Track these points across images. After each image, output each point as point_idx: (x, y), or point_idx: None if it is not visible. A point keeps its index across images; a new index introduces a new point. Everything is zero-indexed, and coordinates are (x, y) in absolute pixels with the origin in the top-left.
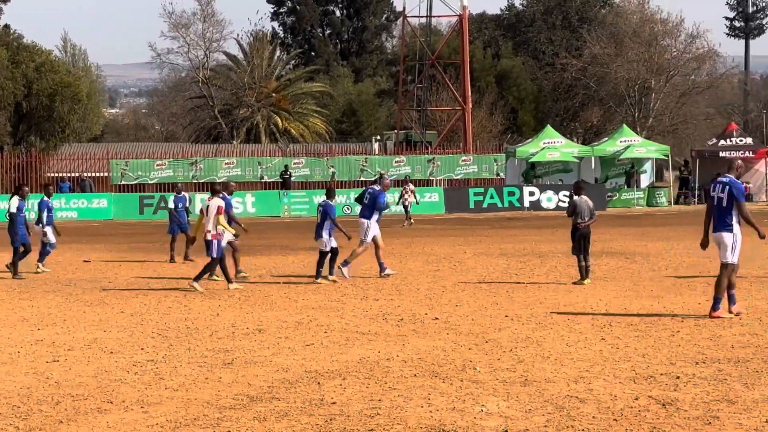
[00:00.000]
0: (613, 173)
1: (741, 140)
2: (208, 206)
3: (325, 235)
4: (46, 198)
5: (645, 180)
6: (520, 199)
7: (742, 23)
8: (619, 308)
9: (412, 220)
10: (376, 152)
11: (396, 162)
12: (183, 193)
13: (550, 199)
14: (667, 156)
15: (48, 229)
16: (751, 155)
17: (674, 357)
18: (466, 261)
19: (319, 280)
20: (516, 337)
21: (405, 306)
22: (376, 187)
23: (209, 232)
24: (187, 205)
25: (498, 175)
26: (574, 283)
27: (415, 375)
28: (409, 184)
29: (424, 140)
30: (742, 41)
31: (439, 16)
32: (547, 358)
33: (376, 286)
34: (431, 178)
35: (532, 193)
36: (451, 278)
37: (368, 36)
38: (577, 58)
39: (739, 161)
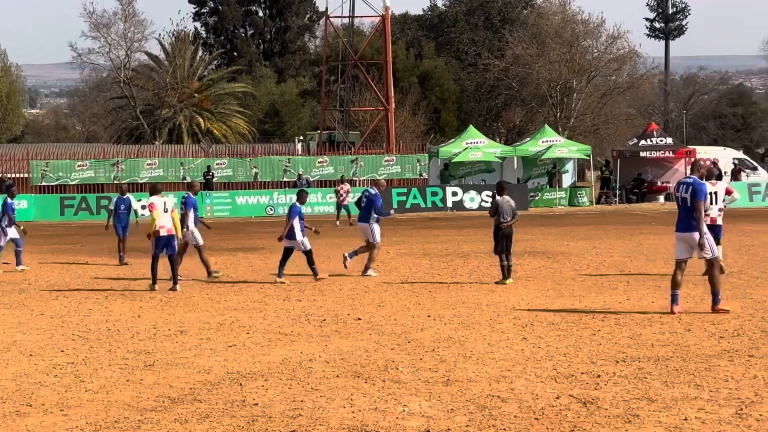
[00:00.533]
0: (536, 173)
1: (661, 140)
2: (164, 203)
3: (299, 235)
4: (10, 200)
5: (567, 180)
6: (443, 199)
7: (662, 24)
8: (541, 307)
9: (339, 222)
10: (299, 152)
11: (319, 162)
12: (127, 194)
13: (473, 199)
14: (589, 156)
15: (10, 230)
16: (671, 155)
17: (595, 356)
18: (389, 261)
19: (319, 276)
20: (438, 336)
21: (327, 307)
22: (373, 191)
23: (169, 228)
24: (134, 206)
25: (421, 175)
26: (497, 282)
27: (338, 375)
28: (345, 183)
29: (347, 140)
30: (662, 42)
31: (361, 17)
32: (469, 357)
33: (298, 287)
34: (354, 179)
35: (455, 193)
36: (374, 278)
37: (291, 36)
38: (499, 59)
39: (703, 161)
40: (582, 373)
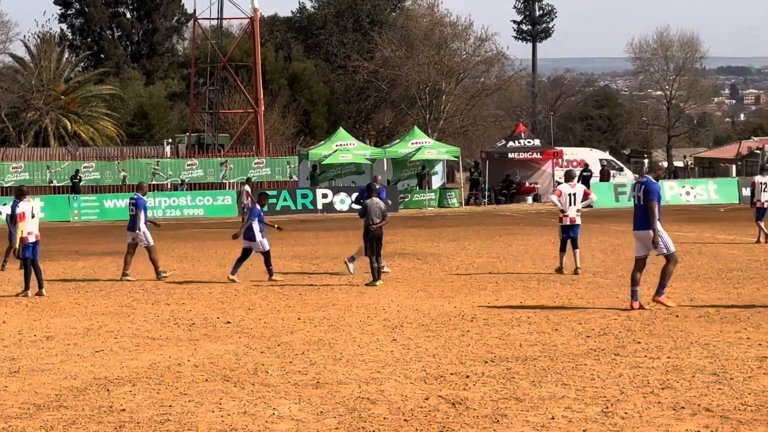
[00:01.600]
0: (405, 175)
1: (529, 141)
2: (32, 208)
3: (258, 236)
4: None
5: (436, 181)
6: (313, 201)
7: (530, 27)
8: (411, 309)
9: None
10: (168, 155)
11: (188, 165)
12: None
13: (343, 201)
14: (458, 157)
15: None
16: (538, 156)
17: (464, 356)
18: (259, 264)
19: (274, 277)
20: (308, 339)
21: (197, 310)
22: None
23: (37, 233)
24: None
25: (291, 177)
26: (367, 284)
27: (207, 380)
28: (246, 185)
29: (217, 143)
30: (530, 44)
31: (230, 18)
32: (339, 360)
33: (167, 290)
34: (224, 181)
35: (325, 195)
36: (244, 282)
37: (159, 38)
38: (368, 61)
39: (661, 162)
40: (451, 374)
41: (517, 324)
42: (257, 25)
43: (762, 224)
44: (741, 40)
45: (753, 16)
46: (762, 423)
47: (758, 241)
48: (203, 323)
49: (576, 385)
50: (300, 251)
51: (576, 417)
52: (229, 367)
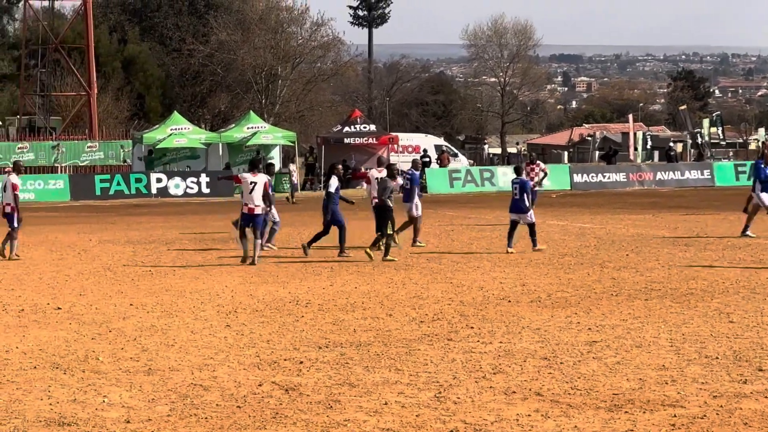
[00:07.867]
0: (241, 159)
1: (365, 127)
2: None
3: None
4: None
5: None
6: (148, 186)
7: (366, 12)
8: (245, 294)
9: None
10: None
11: (19, 148)
12: None
13: (177, 186)
14: (294, 142)
15: None
16: (374, 142)
17: (298, 342)
18: (91, 249)
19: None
20: (141, 325)
21: (26, 296)
22: (414, 171)
23: None
24: None
25: (125, 161)
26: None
27: (35, 367)
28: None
29: (49, 126)
30: (366, 30)
31: (63, 0)
32: (172, 346)
33: None
34: (56, 165)
35: (159, 180)
36: (76, 267)
37: None
38: (204, 44)
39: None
40: (285, 360)
41: (352, 309)
42: (90, 6)
43: None
44: (573, 29)
45: (585, 6)
46: (590, 407)
47: None
48: (33, 309)
49: (409, 371)
50: (133, 236)
51: (409, 402)
52: (58, 354)
